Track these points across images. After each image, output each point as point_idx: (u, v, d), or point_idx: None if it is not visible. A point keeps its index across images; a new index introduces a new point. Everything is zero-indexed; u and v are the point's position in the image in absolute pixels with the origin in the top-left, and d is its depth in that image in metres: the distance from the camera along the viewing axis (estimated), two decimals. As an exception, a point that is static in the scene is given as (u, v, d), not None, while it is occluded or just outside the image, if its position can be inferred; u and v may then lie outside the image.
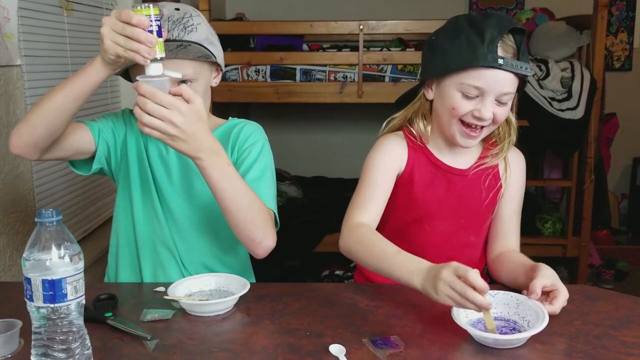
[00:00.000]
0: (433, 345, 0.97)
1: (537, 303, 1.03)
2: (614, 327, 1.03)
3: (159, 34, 1.03)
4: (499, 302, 1.06)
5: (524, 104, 2.93)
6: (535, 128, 2.99)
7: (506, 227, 1.30)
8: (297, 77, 2.97)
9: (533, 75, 2.97)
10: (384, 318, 1.07)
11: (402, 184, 1.28)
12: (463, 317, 1.00)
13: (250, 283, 1.14)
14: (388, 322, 1.05)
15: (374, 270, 1.12)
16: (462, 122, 1.20)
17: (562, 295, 1.05)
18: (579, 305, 1.12)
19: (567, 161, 3.19)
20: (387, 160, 1.27)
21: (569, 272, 3.25)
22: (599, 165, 3.20)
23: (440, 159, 1.29)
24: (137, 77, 1.04)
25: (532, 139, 3.42)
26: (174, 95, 1.05)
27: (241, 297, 1.11)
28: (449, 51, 1.18)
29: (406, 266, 1.04)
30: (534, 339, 0.97)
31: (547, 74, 2.98)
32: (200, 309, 1.08)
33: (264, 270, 1.48)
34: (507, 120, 1.27)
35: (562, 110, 2.94)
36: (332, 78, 2.97)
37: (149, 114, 1.02)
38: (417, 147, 1.29)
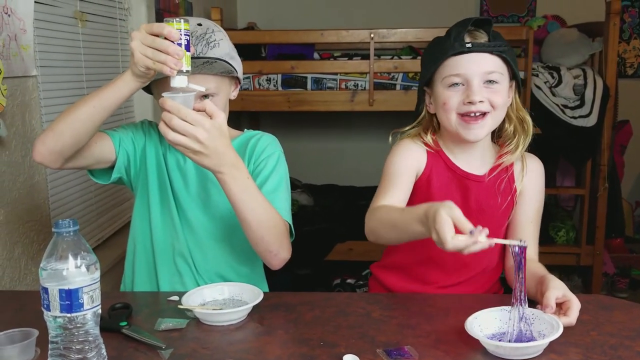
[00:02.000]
0: (447, 356, 0.96)
1: (552, 316, 1.02)
2: (630, 337, 1.02)
3: (187, 48, 1.06)
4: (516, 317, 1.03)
5: (536, 111, 2.92)
6: (547, 135, 2.97)
7: (523, 236, 1.28)
8: (308, 86, 2.98)
9: (545, 83, 2.96)
10: (398, 328, 1.07)
11: (420, 186, 1.29)
12: (477, 329, 1.00)
13: (264, 292, 1.14)
14: (402, 332, 1.05)
15: (397, 241, 1.16)
16: (460, 115, 1.22)
17: (575, 305, 1.05)
18: (594, 315, 1.11)
19: (580, 169, 3.16)
20: (407, 161, 1.29)
21: (582, 281, 3.22)
22: (612, 172, 3.17)
23: (457, 164, 1.30)
24: (163, 94, 1.06)
25: (545, 147, 3.39)
26: (198, 110, 1.07)
27: (254, 307, 1.11)
28: (426, 61, 1.28)
29: (411, 221, 1.05)
30: (550, 349, 0.97)
31: (560, 82, 2.97)
32: (214, 318, 1.08)
33: (276, 279, 1.48)
34: (521, 119, 1.29)
35: (574, 118, 2.92)
36: (343, 86, 2.98)
37: (174, 129, 1.04)
38: (434, 153, 1.30)
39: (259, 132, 1.39)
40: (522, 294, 1.00)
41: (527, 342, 0.99)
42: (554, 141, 2.99)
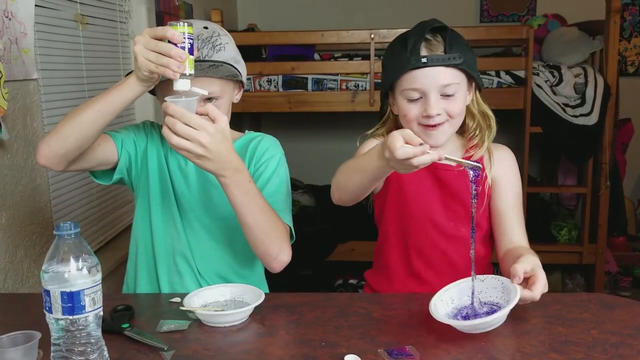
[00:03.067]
0: (448, 355, 0.96)
1: (516, 285, 1.03)
2: (632, 335, 1.02)
3: (191, 52, 1.06)
4: (489, 286, 1.07)
5: (537, 110, 2.92)
6: (549, 134, 2.97)
7: (507, 223, 1.30)
8: (309, 87, 2.99)
9: (546, 82, 2.96)
10: (399, 328, 1.07)
11: (392, 180, 1.33)
12: (442, 310, 1.03)
13: (265, 293, 1.15)
14: (403, 332, 1.05)
15: (360, 186, 1.16)
16: (420, 124, 1.25)
17: (540, 280, 1.05)
18: (595, 314, 1.11)
19: (581, 167, 3.16)
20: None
21: (585, 280, 3.22)
22: (614, 171, 3.17)
23: None
24: (166, 98, 1.07)
25: (546, 146, 3.40)
26: (201, 114, 1.08)
27: (256, 308, 1.11)
28: (386, 66, 1.30)
29: (371, 157, 1.07)
30: (551, 347, 0.97)
31: (560, 80, 2.97)
32: (215, 319, 1.09)
33: (277, 280, 1.48)
34: (483, 113, 1.32)
35: (575, 116, 2.92)
36: (343, 87, 2.98)
37: (177, 134, 1.04)
38: None
39: (260, 134, 1.40)
40: (473, 221, 1.07)
41: (495, 310, 1.02)
42: (555, 140, 3.00)
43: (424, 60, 1.19)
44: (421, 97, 1.23)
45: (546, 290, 1.06)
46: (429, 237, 1.33)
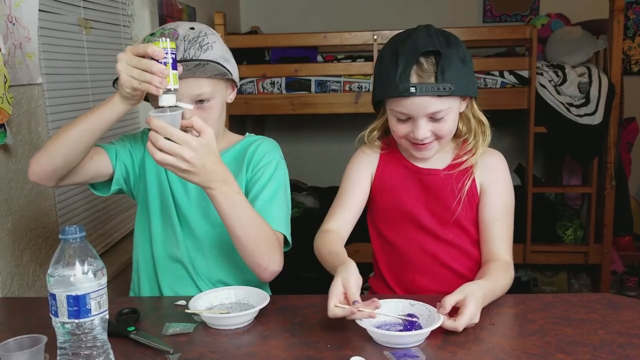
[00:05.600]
0: (454, 357, 0.96)
1: (440, 315, 1.02)
2: (639, 336, 1.02)
3: (174, 67, 1.06)
4: (416, 311, 1.07)
5: (541, 110, 2.92)
6: (553, 134, 2.96)
7: (490, 234, 1.29)
8: (312, 89, 2.99)
9: (550, 82, 2.95)
10: (405, 329, 1.07)
11: (377, 188, 1.35)
12: (366, 321, 1.03)
13: (270, 296, 1.15)
14: (409, 334, 1.05)
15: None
16: (408, 140, 1.26)
17: (466, 313, 1.02)
18: (602, 314, 1.10)
19: (586, 167, 3.15)
20: (358, 169, 1.37)
21: (591, 280, 3.20)
22: (619, 170, 3.16)
23: (412, 161, 1.34)
24: (150, 112, 1.06)
25: (551, 146, 3.39)
26: (186, 127, 1.07)
27: (261, 310, 1.11)
28: (377, 79, 1.28)
29: (332, 269, 1.13)
30: (557, 348, 0.97)
31: (564, 80, 2.96)
32: (221, 322, 1.09)
33: (280, 282, 1.48)
34: (478, 120, 1.30)
35: (580, 116, 2.91)
36: (347, 88, 2.98)
37: (161, 149, 1.04)
38: (390, 154, 1.36)
39: (260, 138, 1.39)
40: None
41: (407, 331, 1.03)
42: (559, 140, 2.98)
43: (412, 89, 1.17)
44: (410, 119, 1.22)
45: (474, 322, 1.04)
46: (417, 241, 1.33)
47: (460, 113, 1.27)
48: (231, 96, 1.34)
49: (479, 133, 1.29)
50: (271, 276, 1.25)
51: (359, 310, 0.98)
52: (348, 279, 1.02)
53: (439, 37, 1.20)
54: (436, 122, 1.22)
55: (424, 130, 1.21)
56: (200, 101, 1.24)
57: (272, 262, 1.22)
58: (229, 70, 1.27)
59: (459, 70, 1.20)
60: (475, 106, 1.30)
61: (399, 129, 1.25)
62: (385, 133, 1.38)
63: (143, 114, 2.40)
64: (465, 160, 1.29)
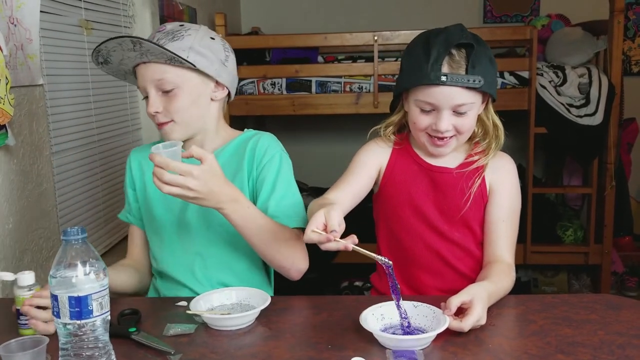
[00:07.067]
0: (455, 357, 0.96)
1: (446, 316, 1.02)
2: (639, 336, 1.02)
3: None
4: (420, 313, 1.07)
5: (541, 111, 2.92)
6: (553, 135, 2.97)
7: (494, 235, 1.30)
8: (313, 89, 2.99)
9: (550, 82, 2.96)
10: (405, 330, 1.07)
11: (387, 182, 1.35)
12: (371, 324, 1.03)
13: (271, 297, 1.15)
14: (409, 334, 1.05)
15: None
16: (428, 134, 1.26)
17: (473, 314, 1.02)
18: (602, 315, 1.10)
19: (587, 168, 3.15)
20: (368, 157, 1.36)
21: (591, 280, 3.21)
22: (619, 171, 3.16)
23: (424, 158, 1.34)
24: (152, 149, 1.10)
25: (551, 146, 3.39)
26: (188, 157, 1.11)
27: (262, 311, 1.11)
28: (405, 70, 1.27)
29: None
30: (557, 349, 0.97)
31: (564, 81, 2.96)
32: (222, 323, 1.09)
33: (282, 283, 1.48)
34: (493, 123, 1.31)
35: (580, 117, 2.91)
36: (347, 89, 2.98)
37: (166, 183, 1.08)
38: (402, 149, 1.36)
39: (258, 133, 1.38)
40: (402, 310, 1.06)
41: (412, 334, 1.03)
42: (560, 140, 2.99)
43: (443, 78, 1.18)
44: (433, 110, 1.23)
45: (481, 323, 1.04)
46: (423, 238, 1.33)
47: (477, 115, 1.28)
48: (216, 94, 1.31)
49: (493, 136, 1.31)
50: (299, 274, 1.28)
51: (335, 240, 0.95)
52: (331, 211, 0.99)
53: (470, 34, 1.23)
54: (459, 116, 1.23)
55: (447, 122, 1.22)
56: (167, 92, 1.25)
57: (296, 261, 1.26)
58: (184, 59, 1.22)
59: (488, 68, 1.22)
60: (491, 109, 1.31)
61: (421, 121, 1.25)
62: (400, 130, 1.38)
63: (143, 114, 2.40)
64: (477, 160, 1.30)
